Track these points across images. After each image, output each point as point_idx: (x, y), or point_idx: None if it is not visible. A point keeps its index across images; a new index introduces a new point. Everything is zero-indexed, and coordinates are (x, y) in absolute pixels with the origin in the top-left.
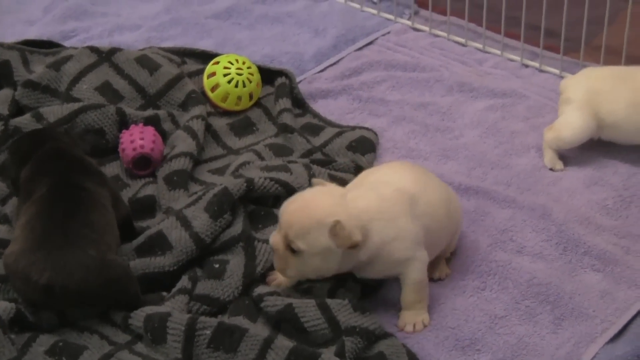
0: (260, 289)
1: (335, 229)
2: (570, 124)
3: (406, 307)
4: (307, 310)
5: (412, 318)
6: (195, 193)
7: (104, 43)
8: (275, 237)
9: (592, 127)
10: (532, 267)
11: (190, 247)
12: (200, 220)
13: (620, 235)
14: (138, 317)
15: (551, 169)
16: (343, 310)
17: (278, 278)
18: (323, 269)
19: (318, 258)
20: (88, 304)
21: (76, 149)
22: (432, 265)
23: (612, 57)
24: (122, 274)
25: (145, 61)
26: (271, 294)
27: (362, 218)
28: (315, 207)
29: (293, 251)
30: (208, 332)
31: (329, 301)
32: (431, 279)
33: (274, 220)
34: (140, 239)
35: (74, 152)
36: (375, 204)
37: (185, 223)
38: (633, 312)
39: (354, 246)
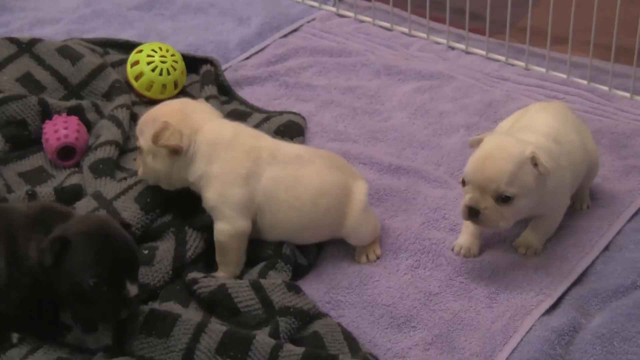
0: (194, 274)
1: (158, 127)
2: None
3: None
4: (241, 290)
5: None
6: (125, 179)
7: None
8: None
9: None
10: None
11: None
12: (130, 211)
13: None
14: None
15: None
16: (277, 290)
17: None
18: (156, 169)
19: (150, 156)
20: None
21: None
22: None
23: (538, 38)
24: None
25: (67, 51)
26: (205, 276)
27: (197, 136)
28: (160, 109)
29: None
30: (140, 318)
31: (262, 281)
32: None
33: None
34: None
35: None
36: (222, 135)
37: (116, 216)
38: (567, 284)
39: (175, 151)
